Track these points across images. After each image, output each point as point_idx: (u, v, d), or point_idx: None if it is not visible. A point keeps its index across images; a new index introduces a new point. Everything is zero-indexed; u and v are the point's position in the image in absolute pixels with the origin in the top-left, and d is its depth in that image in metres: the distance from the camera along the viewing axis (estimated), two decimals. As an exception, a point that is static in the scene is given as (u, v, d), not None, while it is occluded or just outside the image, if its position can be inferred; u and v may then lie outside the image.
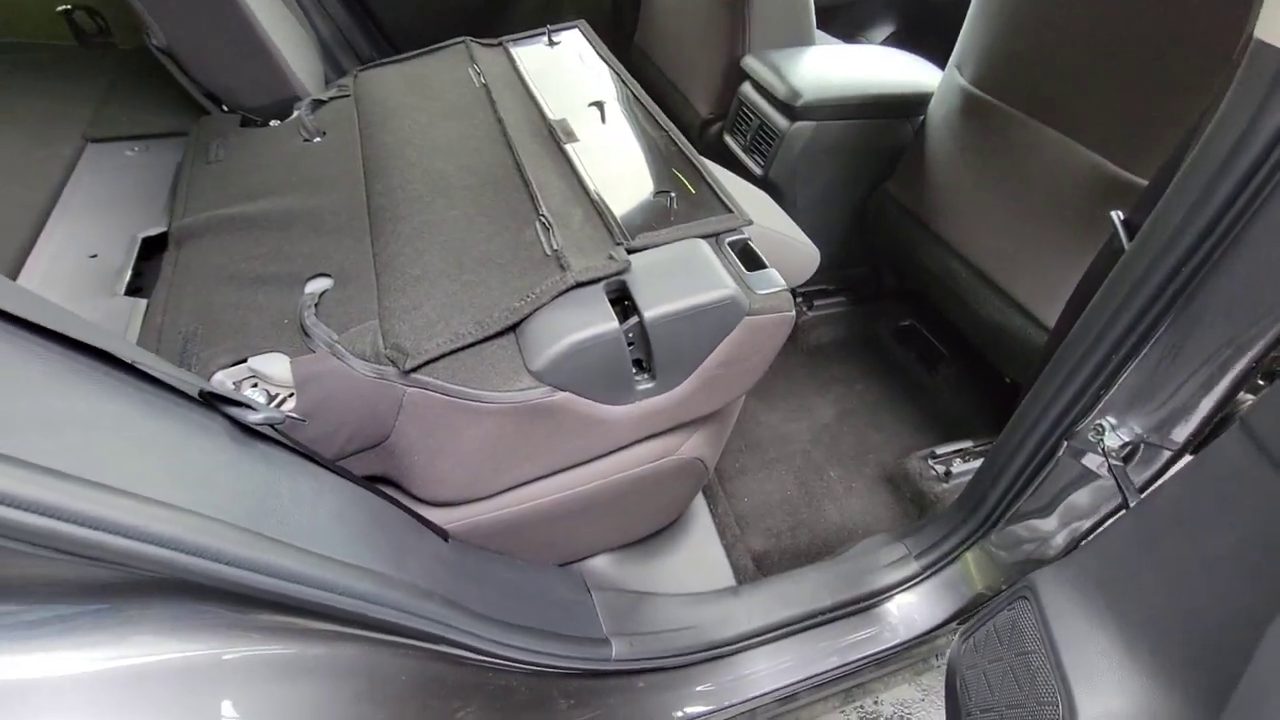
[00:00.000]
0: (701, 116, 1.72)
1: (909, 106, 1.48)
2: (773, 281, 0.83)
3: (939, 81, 1.43)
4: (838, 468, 1.47)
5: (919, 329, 1.77)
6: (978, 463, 1.43)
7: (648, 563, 1.15)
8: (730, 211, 0.91)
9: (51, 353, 0.48)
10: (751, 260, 0.87)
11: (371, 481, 0.79)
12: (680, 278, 0.80)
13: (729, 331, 0.82)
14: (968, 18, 1.31)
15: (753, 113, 1.53)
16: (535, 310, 0.78)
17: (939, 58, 1.55)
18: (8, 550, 0.38)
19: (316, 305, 0.83)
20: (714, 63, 1.65)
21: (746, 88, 1.56)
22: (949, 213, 1.39)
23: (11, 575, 0.41)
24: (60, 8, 1.43)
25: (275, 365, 0.77)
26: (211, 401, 0.58)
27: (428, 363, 0.76)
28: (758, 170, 1.53)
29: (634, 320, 0.78)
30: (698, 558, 1.20)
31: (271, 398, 0.77)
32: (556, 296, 0.78)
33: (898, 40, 2.41)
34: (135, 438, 0.48)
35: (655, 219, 0.90)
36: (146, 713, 0.47)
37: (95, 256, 1.01)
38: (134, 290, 1.01)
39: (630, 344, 0.79)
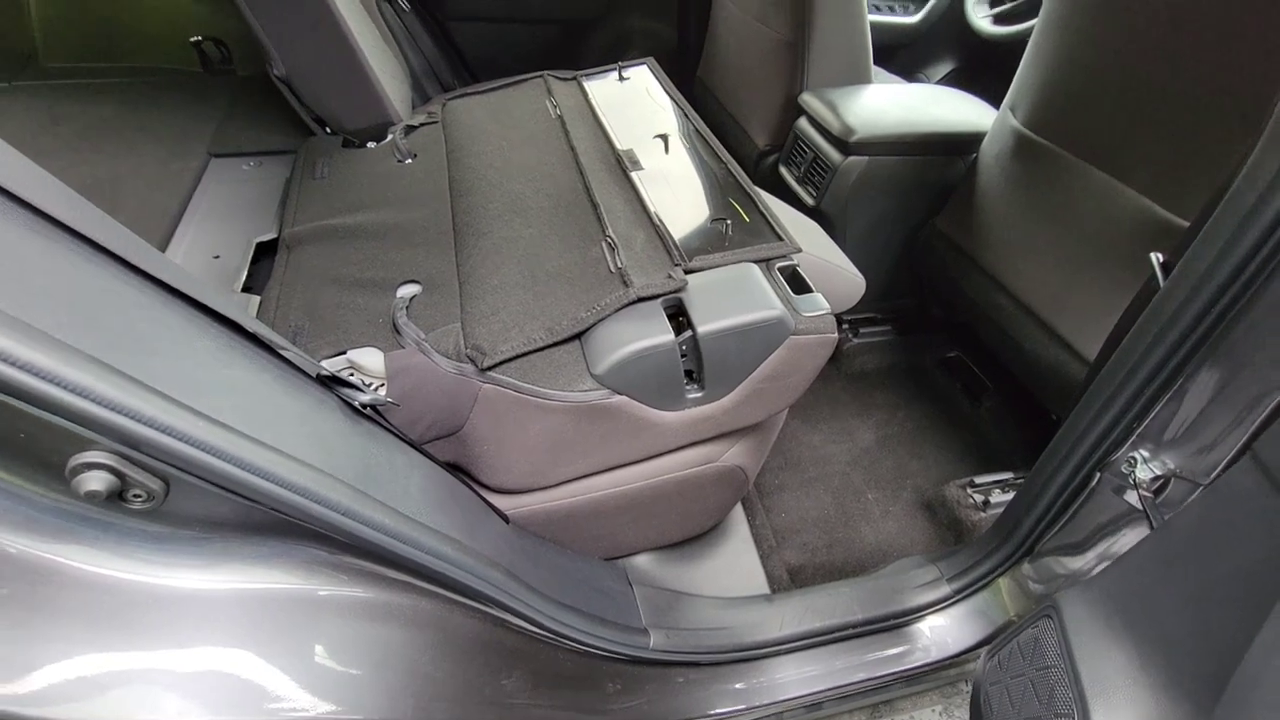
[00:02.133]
0: (758, 148, 1.81)
1: (961, 145, 1.53)
2: (818, 305, 0.90)
3: (992, 122, 1.48)
4: (875, 491, 1.50)
5: (964, 360, 1.79)
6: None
7: (686, 565, 1.22)
8: (781, 239, 0.98)
9: (216, 329, 0.59)
10: (799, 285, 0.94)
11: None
12: (732, 297, 0.88)
13: (775, 349, 0.89)
14: (1022, 62, 1.36)
15: (807, 146, 1.61)
16: (600, 321, 0.87)
17: (996, 96, 1.59)
18: (190, 485, 0.48)
19: (407, 308, 0.94)
20: (772, 97, 1.73)
21: (802, 122, 1.64)
22: (997, 249, 1.43)
23: (182, 508, 0.52)
24: (192, 39, 1.63)
25: (370, 358, 0.88)
26: (328, 383, 0.69)
27: (502, 362, 0.85)
28: (810, 201, 1.60)
29: (688, 334, 0.86)
30: (734, 565, 1.26)
31: (365, 386, 0.88)
32: (619, 309, 0.87)
33: (956, 78, 2.45)
34: (277, 405, 0.58)
35: (711, 243, 0.98)
36: (258, 628, 0.57)
37: (218, 257, 1.16)
38: (246, 288, 1.15)
39: (683, 355, 0.87)
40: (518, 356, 0.86)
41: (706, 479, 1.04)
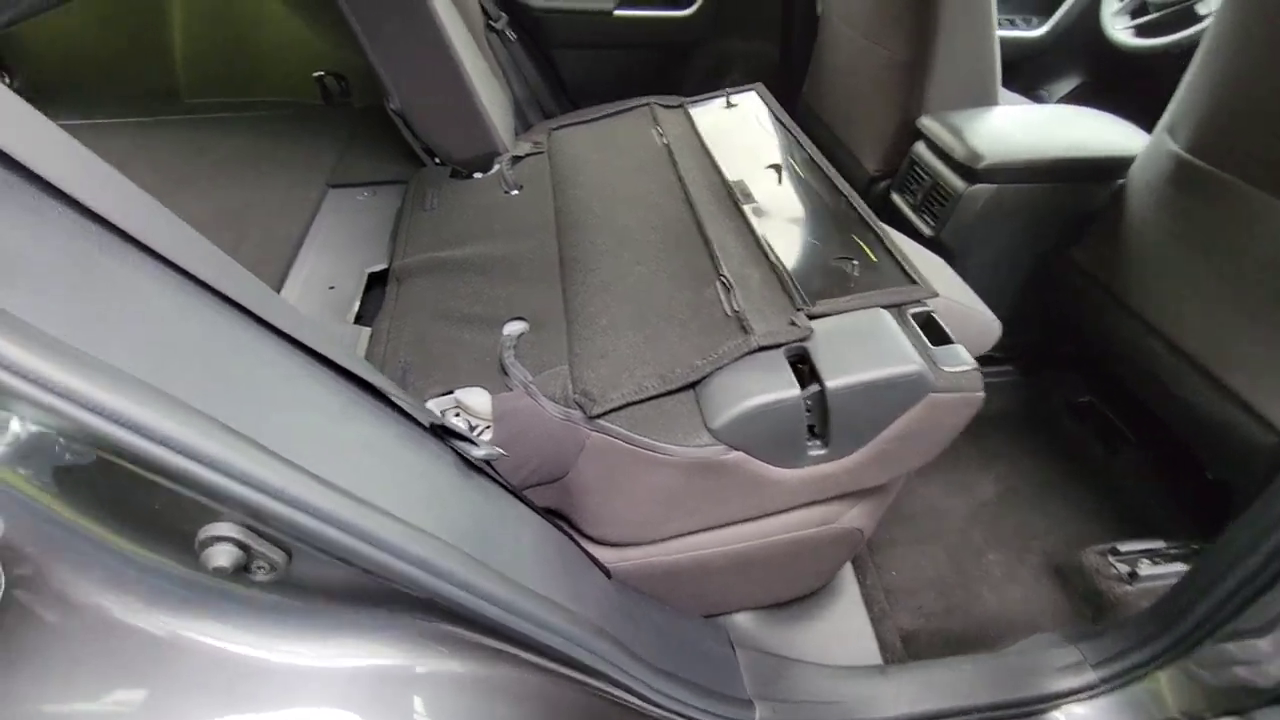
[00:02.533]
0: (868, 173, 1.71)
1: (1104, 170, 1.38)
2: (960, 359, 0.81)
3: (1141, 145, 1.33)
4: (997, 551, 1.36)
5: (1098, 406, 1.61)
6: (1171, 566, 1.27)
7: (791, 626, 1.13)
8: (914, 282, 0.90)
9: (336, 380, 0.57)
10: (935, 333, 0.85)
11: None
12: (864, 348, 0.80)
13: (910, 407, 0.80)
14: (1185, 80, 1.21)
15: (925, 173, 1.50)
16: (716, 369, 0.81)
17: (1131, 114, 1.44)
18: (310, 555, 0.46)
19: (515, 346, 0.92)
20: (885, 121, 1.63)
21: (920, 147, 1.53)
22: (1150, 287, 1.27)
23: (299, 578, 0.49)
24: (315, 73, 1.71)
25: (477, 398, 0.86)
26: (441, 435, 0.66)
27: (612, 410, 0.81)
28: (927, 230, 1.48)
29: (814, 388, 0.79)
30: (843, 628, 1.16)
31: (471, 427, 0.86)
32: (739, 359, 0.81)
33: (1082, 94, 2.26)
34: (397, 461, 0.56)
35: (836, 285, 0.91)
36: (370, 702, 0.54)
37: (333, 288, 1.19)
38: (358, 317, 1.17)
39: (808, 410, 0.80)
40: (628, 405, 0.81)
41: (822, 541, 0.95)
